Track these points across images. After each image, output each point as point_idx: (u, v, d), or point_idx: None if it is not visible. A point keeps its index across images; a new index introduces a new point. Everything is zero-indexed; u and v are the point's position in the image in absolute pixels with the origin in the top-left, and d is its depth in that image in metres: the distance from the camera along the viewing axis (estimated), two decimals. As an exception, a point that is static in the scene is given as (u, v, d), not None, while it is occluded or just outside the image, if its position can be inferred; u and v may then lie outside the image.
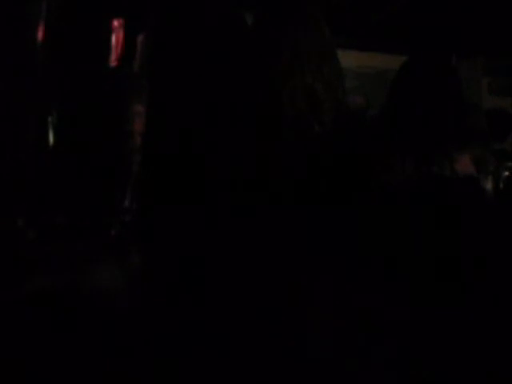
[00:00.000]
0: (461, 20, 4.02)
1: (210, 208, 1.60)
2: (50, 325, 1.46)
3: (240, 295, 1.52)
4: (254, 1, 1.72)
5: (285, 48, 1.64)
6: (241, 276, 1.53)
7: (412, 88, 1.71)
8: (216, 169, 1.62)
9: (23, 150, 1.76)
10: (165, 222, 1.65)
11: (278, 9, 1.68)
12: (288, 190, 1.61)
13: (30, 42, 1.84)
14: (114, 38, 1.97)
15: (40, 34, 1.85)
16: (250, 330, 1.48)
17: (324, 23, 1.69)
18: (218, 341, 1.46)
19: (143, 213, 1.72)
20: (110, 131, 1.90)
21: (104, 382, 1.39)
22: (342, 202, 1.59)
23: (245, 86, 1.64)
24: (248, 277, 1.53)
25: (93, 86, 1.91)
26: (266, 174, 1.61)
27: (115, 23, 1.98)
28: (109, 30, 1.97)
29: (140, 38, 1.97)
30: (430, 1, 3.81)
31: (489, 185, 2.14)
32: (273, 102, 1.63)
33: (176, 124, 1.65)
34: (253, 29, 1.72)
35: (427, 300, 1.47)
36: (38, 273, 1.59)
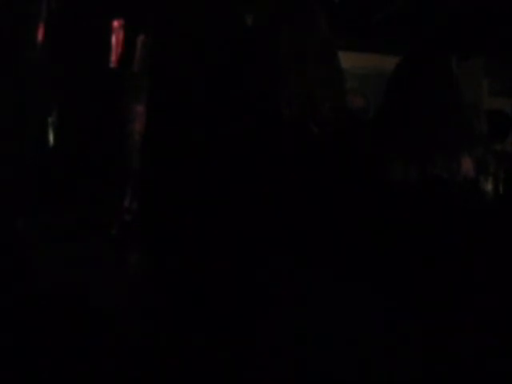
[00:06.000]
0: (461, 21, 4.02)
1: (210, 207, 1.60)
2: (50, 324, 1.46)
3: (239, 294, 1.52)
4: (254, 2, 1.72)
5: (283, 49, 1.63)
6: (240, 275, 1.53)
7: (409, 88, 1.71)
8: (215, 169, 1.62)
9: (23, 150, 1.76)
10: (165, 222, 1.65)
11: (278, 10, 1.68)
12: (287, 189, 1.61)
13: (30, 42, 1.83)
14: (113, 39, 1.97)
15: (40, 34, 1.84)
16: (249, 328, 1.48)
17: (324, 24, 1.68)
18: (217, 339, 1.46)
19: (143, 213, 1.72)
20: (109, 131, 1.89)
21: (103, 380, 1.40)
22: (342, 201, 1.59)
23: (244, 86, 1.64)
24: (247, 275, 1.53)
25: (93, 86, 1.91)
26: (265, 174, 1.61)
27: (115, 24, 1.98)
28: (109, 31, 1.97)
29: (140, 39, 1.97)
30: (430, 2, 3.80)
31: (489, 186, 2.14)
32: (271, 103, 1.63)
33: (176, 124, 1.65)
34: (252, 29, 1.72)
35: (427, 300, 1.47)
36: (38, 273, 1.59)
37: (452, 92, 1.72)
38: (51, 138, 1.84)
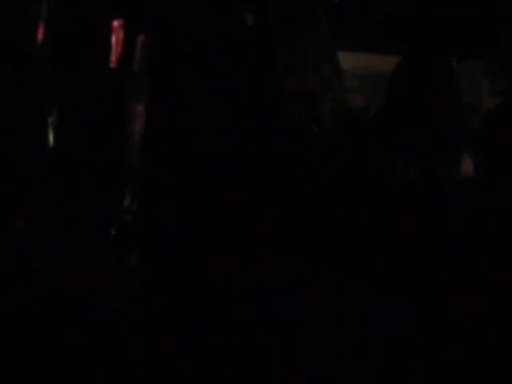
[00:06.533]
0: (461, 21, 4.02)
1: (210, 207, 1.60)
2: (50, 324, 1.46)
3: (240, 294, 1.52)
4: (254, 2, 1.72)
5: (283, 49, 1.63)
6: (240, 274, 1.53)
7: (409, 88, 1.71)
8: (215, 169, 1.62)
9: (23, 150, 1.76)
10: (165, 222, 1.65)
11: (278, 10, 1.68)
12: (287, 189, 1.61)
13: (30, 42, 1.84)
14: (113, 39, 1.97)
15: (40, 34, 1.84)
16: (250, 327, 1.48)
17: (324, 24, 1.68)
18: (217, 338, 1.46)
19: (143, 213, 1.72)
20: (109, 131, 1.90)
21: (104, 380, 1.39)
22: (341, 201, 1.59)
23: (244, 86, 1.64)
24: (248, 274, 1.52)
25: (93, 86, 1.91)
26: (265, 173, 1.61)
27: (115, 24, 1.98)
28: (109, 31, 1.97)
29: (140, 39, 1.97)
30: (430, 2, 3.80)
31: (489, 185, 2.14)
32: (271, 103, 1.63)
33: (176, 124, 1.65)
34: (252, 29, 1.72)
35: (426, 299, 1.47)
36: (38, 273, 1.59)
37: (452, 92, 1.72)
38: (51, 138, 1.85)
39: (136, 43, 1.97)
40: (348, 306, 1.47)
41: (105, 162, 1.86)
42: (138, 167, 1.80)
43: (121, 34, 1.99)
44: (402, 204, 1.59)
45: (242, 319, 1.49)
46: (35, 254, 1.61)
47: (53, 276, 1.58)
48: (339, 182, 1.62)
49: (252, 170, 1.61)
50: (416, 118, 1.67)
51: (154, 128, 1.73)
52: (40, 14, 1.85)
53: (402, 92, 1.72)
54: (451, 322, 1.45)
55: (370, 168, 1.64)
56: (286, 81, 1.62)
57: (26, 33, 1.83)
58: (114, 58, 1.98)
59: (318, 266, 1.52)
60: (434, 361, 1.42)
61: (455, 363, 1.42)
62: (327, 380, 1.39)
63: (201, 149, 1.63)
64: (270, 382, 1.41)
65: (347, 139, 1.68)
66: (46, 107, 1.86)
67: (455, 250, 1.55)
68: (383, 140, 1.68)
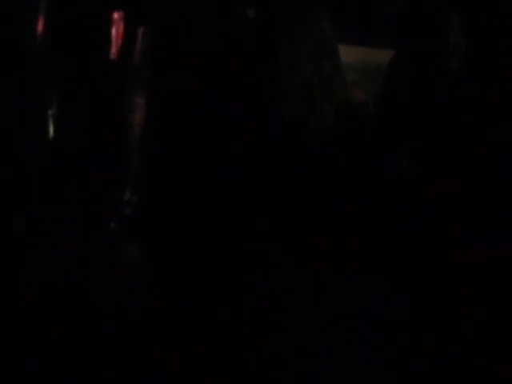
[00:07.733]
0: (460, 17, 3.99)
1: (210, 201, 1.60)
2: (50, 323, 1.47)
3: (239, 288, 1.53)
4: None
5: (282, 44, 1.63)
6: (239, 272, 1.54)
7: (407, 82, 1.70)
8: (215, 162, 1.62)
9: (23, 149, 1.76)
10: (165, 215, 1.65)
11: (277, 7, 1.68)
12: (286, 186, 1.61)
13: (29, 35, 1.83)
14: (114, 31, 1.96)
15: (40, 27, 1.84)
16: (249, 322, 1.49)
17: (324, 21, 1.68)
18: (218, 337, 1.47)
19: (144, 206, 1.73)
20: (110, 124, 1.90)
21: (104, 377, 1.41)
22: (342, 196, 1.59)
23: (243, 81, 1.64)
24: (247, 273, 1.53)
25: (93, 78, 1.91)
26: (263, 171, 1.61)
27: (115, 16, 1.97)
28: (109, 23, 1.96)
29: (140, 31, 1.96)
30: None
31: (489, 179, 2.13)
32: (270, 98, 1.63)
33: (176, 116, 1.65)
34: (253, 24, 1.71)
35: (426, 300, 1.48)
36: (38, 271, 1.60)
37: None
38: (51, 130, 1.85)
39: (136, 35, 1.96)
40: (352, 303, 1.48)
41: (105, 154, 1.86)
42: (139, 160, 1.80)
43: (121, 26, 1.98)
44: (402, 198, 1.60)
45: (242, 315, 1.50)
46: (35, 254, 1.61)
47: (53, 274, 1.58)
48: (340, 178, 1.63)
49: (251, 164, 1.62)
50: (415, 112, 1.66)
51: (154, 120, 1.73)
52: (40, 6, 1.85)
53: (400, 85, 1.71)
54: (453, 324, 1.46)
55: (371, 164, 1.64)
56: (286, 79, 1.62)
57: (26, 25, 1.82)
58: (114, 50, 1.97)
59: (316, 262, 1.53)
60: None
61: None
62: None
63: (200, 141, 1.64)
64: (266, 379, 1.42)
65: (348, 135, 1.68)
66: (46, 100, 1.86)
67: (457, 244, 1.55)
68: (383, 134, 1.68)
